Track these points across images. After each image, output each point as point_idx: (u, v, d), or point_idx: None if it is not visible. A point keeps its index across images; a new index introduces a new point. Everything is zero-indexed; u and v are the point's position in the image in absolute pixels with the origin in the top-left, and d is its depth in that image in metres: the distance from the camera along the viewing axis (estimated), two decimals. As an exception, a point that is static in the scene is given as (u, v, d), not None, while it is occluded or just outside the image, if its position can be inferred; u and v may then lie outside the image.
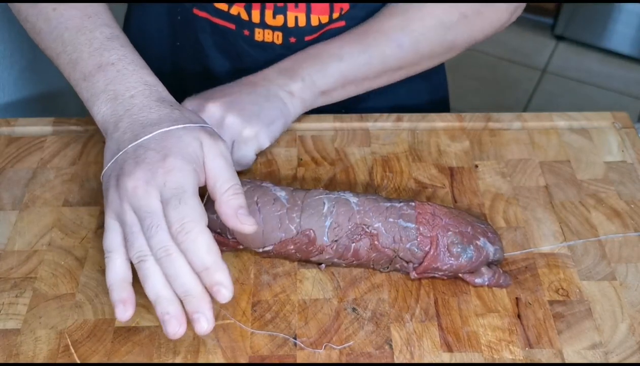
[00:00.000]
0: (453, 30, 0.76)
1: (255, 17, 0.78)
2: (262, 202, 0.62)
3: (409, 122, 0.80)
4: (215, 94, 0.71)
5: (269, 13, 0.78)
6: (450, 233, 0.61)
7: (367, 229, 0.61)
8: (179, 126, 0.57)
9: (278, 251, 0.63)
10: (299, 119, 0.79)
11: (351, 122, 0.79)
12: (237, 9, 0.78)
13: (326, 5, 0.78)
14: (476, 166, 0.75)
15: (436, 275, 0.62)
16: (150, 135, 0.56)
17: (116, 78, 0.61)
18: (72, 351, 0.58)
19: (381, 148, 0.77)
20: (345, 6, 0.79)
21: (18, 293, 0.62)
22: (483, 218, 0.70)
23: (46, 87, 1.09)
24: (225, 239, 0.63)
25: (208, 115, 0.69)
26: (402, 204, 0.63)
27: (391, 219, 0.61)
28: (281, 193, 0.63)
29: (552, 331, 0.60)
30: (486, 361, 0.58)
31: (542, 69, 2.37)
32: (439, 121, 0.80)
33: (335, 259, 0.63)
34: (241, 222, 0.55)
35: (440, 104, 0.96)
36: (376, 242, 0.61)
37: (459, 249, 0.61)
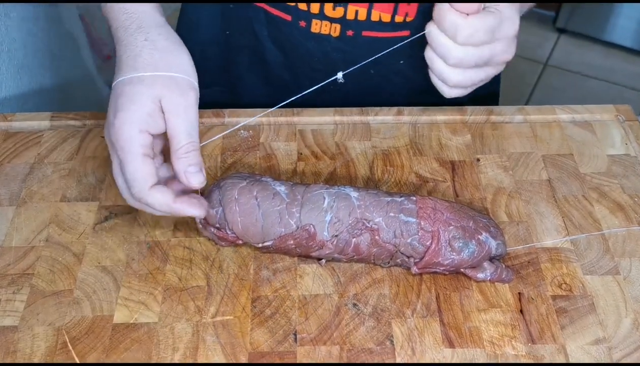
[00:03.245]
0: None
1: (315, 7, 0.77)
2: (262, 197, 0.62)
3: (409, 116, 0.79)
4: None
5: (329, 4, 0.77)
6: (451, 227, 0.60)
7: (367, 224, 0.61)
8: (136, 75, 0.59)
9: (278, 247, 0.62)
10: (298, 113, 0.78)
11: (352, 116, 0.79)
12: None
13: (391, 4, 0.76)
14: (478, 160, 0.74)
15: (438, 270, 0.62)
16: (115, 82, 0.60)
17: (108, 7, 0.63)
18: (70, 348, 0.57)
19: (382, 142, 0.76)
20: (412, 11, 0.77)
21: (15, 290, 0.61)
22: (485, 212, 0.69)
23: (44, 82, 1.09)
24: (225, 234, 0.63)
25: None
26: (403, 198, 0.62)
27: (392, 214, 0.61)
28: (281, 188, 0.63)
29: (555, 326, 0.59)
30: (488, 357, 0.57)
31: (543, 63, 2.36)
32: (440, 115, 0.79)
33: (336, 255, 0.62)
34: (187, 179, 0.59)
35: (489, 97, 0.94)
36: (377, 237, 0.61)
37: (460, 244, 0.60)
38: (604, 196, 0.71)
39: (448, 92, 0.67)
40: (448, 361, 0.57)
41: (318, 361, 0.57)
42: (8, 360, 0.57)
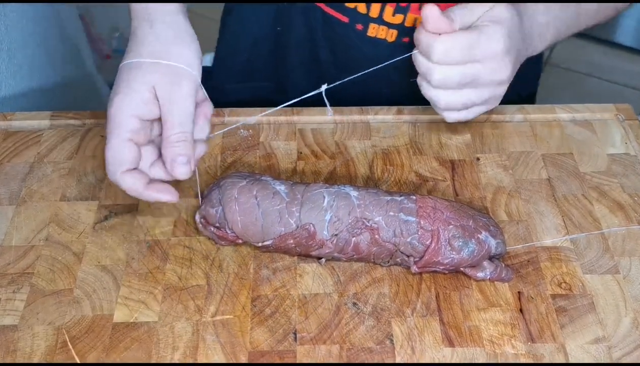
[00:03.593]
0: None
1: (374, 11, 0.77)
2: (261, 196, 0.62)
3: (409, 115, 0.79)
4: (514, 38, 0.64)
5: (389, 10, 0.77)
6: (451, 226, 0.60)
7: (367, 223, 0.61)
8: (136, 61, 0.60)
9: (277, 246, 0.62)
10: (298, 112, 0.78)
11: (351, 115, 0.79)
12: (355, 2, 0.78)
13: None
14: (478, 159, 0.74)
15: (437, 269, 0.62)
16: (122, 64, 0.61)
17: None
18: (70, 347, 0.57)
19: (382, 141, 0.76)
20: None
21: (15, 289, 0.61)
22: (485, 211, 0.69)
23: (44, 82, 1.09)
24: (224, 233, 0.63)
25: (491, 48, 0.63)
26: (402, 197, 0.62)
27: (392, 213, 0.61)
28: (281, 187, 0.63)
29: (555, 325, 0.59)
30: (488, 356, 0.57)
31: (544, 61, 2.35)
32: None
33: (336, 254, 0.62)
34: (172, 169, 0.59)
35: (526, 99, 0.93)
36: (377, 236, 0.61)
37: (460, 243, 0.60)
38: (604, 195, 0.71)
39: (447, 117, 0.66)
40: (448, 360, 0.57)
41: (318, 361, 0.57)
42: (8, 360, 0.57)
